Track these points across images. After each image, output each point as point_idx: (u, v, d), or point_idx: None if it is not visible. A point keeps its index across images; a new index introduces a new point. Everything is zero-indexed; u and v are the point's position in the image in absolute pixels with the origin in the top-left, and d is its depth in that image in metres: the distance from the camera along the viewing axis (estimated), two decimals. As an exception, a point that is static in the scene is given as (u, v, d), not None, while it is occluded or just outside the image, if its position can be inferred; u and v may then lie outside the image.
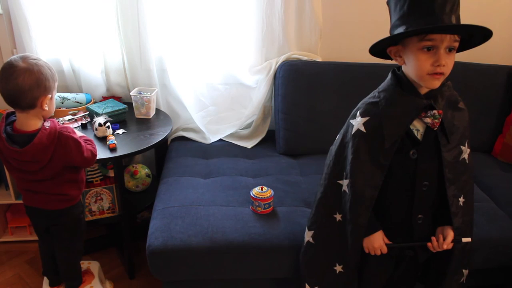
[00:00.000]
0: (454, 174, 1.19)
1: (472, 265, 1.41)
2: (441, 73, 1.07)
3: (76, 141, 1.38)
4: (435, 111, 1.12)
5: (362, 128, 1.18)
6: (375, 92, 1.21)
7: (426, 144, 1.16)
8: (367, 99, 1.23)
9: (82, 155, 1.40)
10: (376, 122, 1.16)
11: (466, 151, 1.21)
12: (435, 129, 1.13)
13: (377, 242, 1.23)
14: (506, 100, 2.11)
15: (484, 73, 2.09)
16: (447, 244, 1.20)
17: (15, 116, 1.38)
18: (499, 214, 1.69)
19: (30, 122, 1.34)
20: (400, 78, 1.15)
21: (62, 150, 1.35)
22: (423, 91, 1.13)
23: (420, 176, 1.17)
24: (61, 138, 1.35)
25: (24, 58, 1.31)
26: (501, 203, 1.77)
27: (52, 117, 1.45)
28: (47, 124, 1.35)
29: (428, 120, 1.13)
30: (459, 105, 1.20)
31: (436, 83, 1.09)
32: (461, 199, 1.22)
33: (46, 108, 1.35)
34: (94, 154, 1.46)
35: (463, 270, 1.35)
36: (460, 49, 1.13)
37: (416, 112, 1.13)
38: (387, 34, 1.15)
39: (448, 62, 1.06)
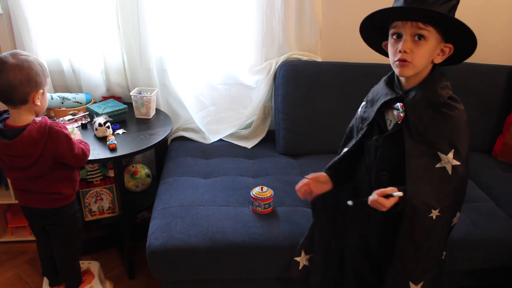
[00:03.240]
0: (423, 178, 1.13)
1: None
2: (405, 60, 1.09)
3: (66, 136, 1.38)
4: (398, 104, 1.15)
5: (359, 110, 1.32)
6: None
7: (391, 135, 1.17)
8: None
9: (73, 152, 1.40)
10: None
11: (448, 161, 1.12)
12: (399, 122, 1.15)
13: (314, 176, 1.34)
14: (506, 100, 2.11)
15: (484, 73, 2.09)
16: (381, 192, 1.11)
17: (7, 114, 1.39)
18: (499, 214, 1.68)
19: (22, 118, 1.35)
20: (393, 74, 1.22)
21: (53, 145, 1.35)
22: (407, 86, 1.17)
23: (378, 164, 1.20)
24: (52, 133, 1.34)
25: (14, 55, 1.32)
26: (501, 203, 1.77)
27: (45, 115, 1.45)
28: (38, 119, 1.36)
29: (395, 112, 1.16)
30: (443, 108, 1.12)
31: (403, 71, 1.11)
32: (435, 212, 1.13)
33: (39, 103, 1.36)
34: (85, 154, 1.46)
35: (410, 283, 1.21)
36: (459, 59, 1.16)
37: (383, 100, 1.18)
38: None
39: (414, 50, 1.08)
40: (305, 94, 1.99)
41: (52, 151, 1.36)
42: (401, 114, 1.14)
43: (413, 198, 1.11)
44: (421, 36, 1.08)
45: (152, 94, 1.94)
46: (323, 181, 1.34)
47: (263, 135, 2.17)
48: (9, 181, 1.91)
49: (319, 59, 2.10)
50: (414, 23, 1.07)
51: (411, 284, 1.20)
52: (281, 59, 2.06)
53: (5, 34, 1.87)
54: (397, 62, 1.10)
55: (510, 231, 1.60)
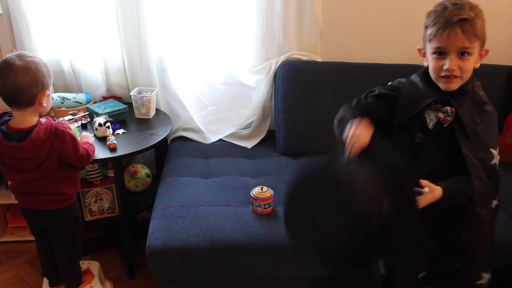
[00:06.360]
0: (482, 173, 1.19)
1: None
2: (454, 76, 1.11)
3: (72, 137, 1.39)
4: (448, 108, 1.14)
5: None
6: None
7: (436, 134, 1.18)
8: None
9: (77, 152, 1.40)
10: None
11: (497, 157, 1.20)
12: (445, 125, 1.16)
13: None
14: (506, 100, 2.11)
15: (484, 73, 2.08)
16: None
17: (8, 116, 1.38)
18: (499, 214, 1.68)
19: (26, 120, 1.35)
20: (427, 74, 1.20)
21: (59, 145, 1.36)
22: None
23: (420, 161, 1.20)
24: (58, 133, 1.35)
25: (20, 56, 1.31)
26: (501, 203, 1.75)
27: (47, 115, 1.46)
28: (43, 120, 1.36)
29: (440, 115, 1.16)
30: (485, 107, 1.19)
31: (451, 86, 1.14)
32: (495, 202, 1.24)
33: (45, 105, 1.37)
34: (89, 154, 1.46)
35: (482, 274, 1.29)
36: None
37: (429, 99, 1.16)
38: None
39: (461, 65, 1.11)
40: (305, 94, 1.99)
41: (58, 151, 1.36)
42: (448, 118, 1.15)
43: (480, 191, 1.17)
44: (465, 52, 1.10)
45: (152, 94, 1.94)
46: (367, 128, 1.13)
47: (263, 135, 2.17)
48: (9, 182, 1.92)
49: (319, 59, 2.10)
50: (461, 43, 1.09)
51: (483, 274, 1.28)
52: (281, 59, 2.06)
53: (5, 34, 1.87)
54: (444, 79, 1.12)
55: (510, 231, 1.60)
